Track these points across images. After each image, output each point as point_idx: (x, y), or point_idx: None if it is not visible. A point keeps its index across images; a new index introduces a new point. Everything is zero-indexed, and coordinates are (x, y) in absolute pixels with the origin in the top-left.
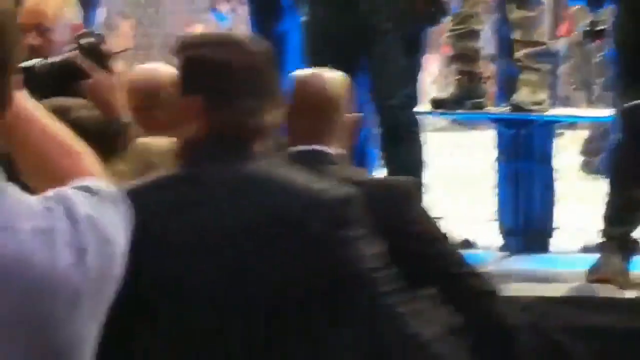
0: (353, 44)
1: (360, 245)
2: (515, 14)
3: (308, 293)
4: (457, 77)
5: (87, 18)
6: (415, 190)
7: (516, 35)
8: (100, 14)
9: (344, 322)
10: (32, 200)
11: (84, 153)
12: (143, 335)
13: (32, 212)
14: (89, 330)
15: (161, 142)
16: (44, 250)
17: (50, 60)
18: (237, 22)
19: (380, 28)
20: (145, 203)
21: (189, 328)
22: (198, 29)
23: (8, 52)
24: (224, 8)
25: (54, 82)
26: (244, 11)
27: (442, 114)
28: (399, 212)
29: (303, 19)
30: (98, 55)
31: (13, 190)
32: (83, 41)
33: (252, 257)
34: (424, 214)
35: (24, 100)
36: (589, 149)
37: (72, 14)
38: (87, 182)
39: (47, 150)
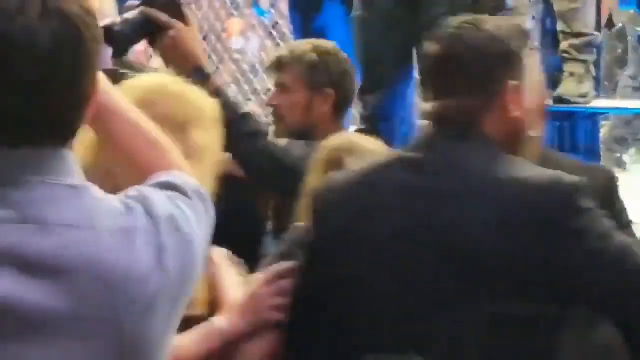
0: (410, 37)
1: (601, 229)
2: (560, 5)
3: (546, 288)
4: None
5: (124, 12)
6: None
7: (561, 26)
8: None
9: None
10: (113, 199)
11: (168, 146)
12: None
13: (112, 212)
14: (165, 330)
15: (375, 143)
16: (123, 250)
17: (125, 16)
18: (277, 17)
19: (439, 22)
20: (365, 186)
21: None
22: (237, 23)
23: (94, 49)
24: (264, 3)
25: (134, 38)
26: (284, 7)
27: None
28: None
29: (356, 13)
30: (172, 6)
31: (93, 190)
32: None
33: (487, 249)
34: (621, 200)
35: (109, 92)
36: (610, 138)
37: (110, 7)
38: (170, 177)
39: (131, 142)
